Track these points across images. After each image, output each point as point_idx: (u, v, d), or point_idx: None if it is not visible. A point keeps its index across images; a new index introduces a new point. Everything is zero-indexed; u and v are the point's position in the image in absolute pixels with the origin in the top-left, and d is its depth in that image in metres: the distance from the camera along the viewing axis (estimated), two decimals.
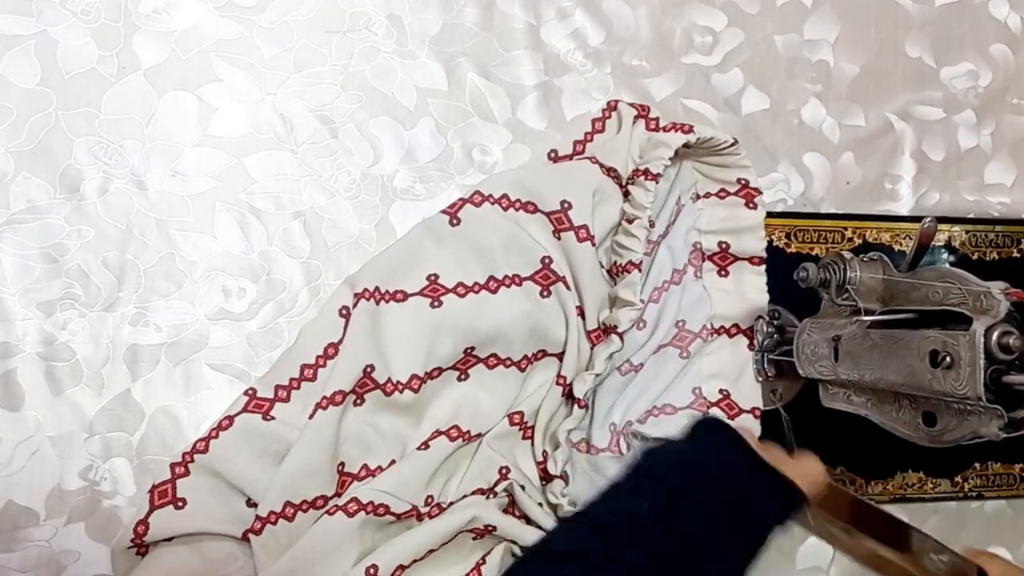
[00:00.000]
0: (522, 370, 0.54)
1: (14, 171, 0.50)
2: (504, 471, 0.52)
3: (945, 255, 0.62)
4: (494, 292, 0.53)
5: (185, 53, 0.53)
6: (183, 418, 0.50)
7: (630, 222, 0.54)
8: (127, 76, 0.52)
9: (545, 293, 0.54)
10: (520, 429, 0.53)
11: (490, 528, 0.50)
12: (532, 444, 0.54)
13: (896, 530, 0.50)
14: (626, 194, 0.55)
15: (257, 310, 0.52)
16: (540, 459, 0.53)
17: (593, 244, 0.53)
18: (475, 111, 0.57)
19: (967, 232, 0.63)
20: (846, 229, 0.61)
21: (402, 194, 0.55)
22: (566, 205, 0.54)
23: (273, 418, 0.49)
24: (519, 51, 0.58)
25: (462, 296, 0.52)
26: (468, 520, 0.49)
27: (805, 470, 0.44)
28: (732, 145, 0.55)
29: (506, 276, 0.53)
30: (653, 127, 0.57)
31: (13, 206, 0.50)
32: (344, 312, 0.51)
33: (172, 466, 0.48)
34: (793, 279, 0.55)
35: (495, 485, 0.52)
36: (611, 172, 0.55)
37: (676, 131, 0.55)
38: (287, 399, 0.50)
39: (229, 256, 0.52)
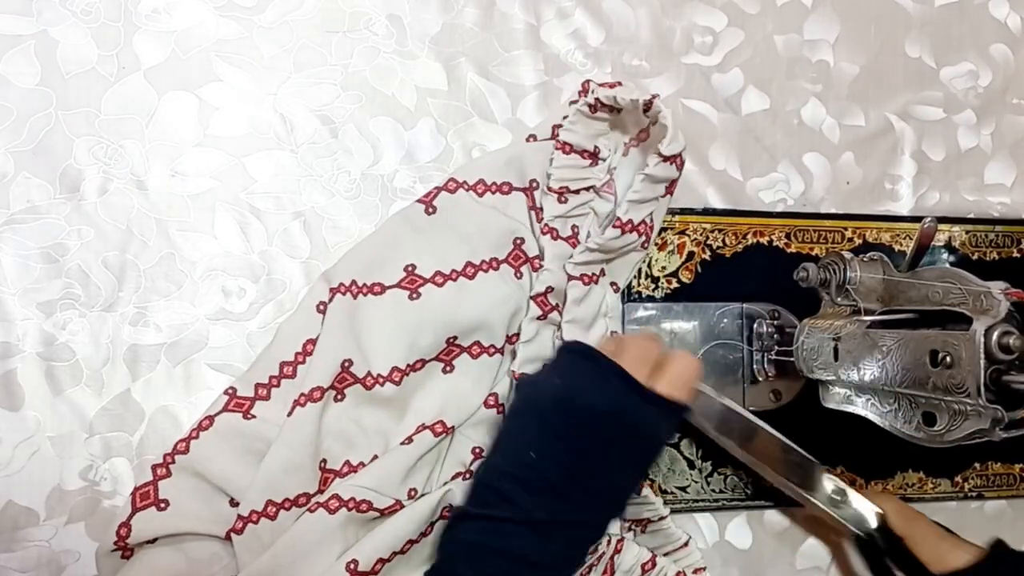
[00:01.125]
0: (504, 355, 0.54)
1: (14, 171, 0.50)
2: (477, 451, 0.51)
3: (945, 255, 0.62)
4: (471, 278, 0.52)
5: (185, 53, 0.53)
6: (183, 418, 0.50)
7: (571, 192, 0.54)
8: (127, 76, 0.52)
9: (518, 274, 0.53)
10: (496, 410, 0.53)
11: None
12: None
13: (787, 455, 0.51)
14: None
15: (257, 310, 0.52)
16: None
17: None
18: (475, 111, 0.57)
19: (967, 232, 0.63)
20: (846, 229, 0.61)
21: (402, 194, 0.55)
22: (534, 184, 0.54)
23: (254, 416, 0.49)
24: (519, 51, 0.58)
25: (440, 285, 0.52)
26: (439, 500, 0.48)
27: (678, 372, 0.45)
28: (646, 110, 0.51)
29: (483, 260, 0.53)
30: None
31: (13, 206, 0.50)
32: (321, 308, 0.51)
33: (153, 467, 0.48)
34: (793, 279, 0.55)
35: (471, 465, 0.51)
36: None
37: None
38: (267, 397, 0.50)
39: (229, 256, 0.52)
